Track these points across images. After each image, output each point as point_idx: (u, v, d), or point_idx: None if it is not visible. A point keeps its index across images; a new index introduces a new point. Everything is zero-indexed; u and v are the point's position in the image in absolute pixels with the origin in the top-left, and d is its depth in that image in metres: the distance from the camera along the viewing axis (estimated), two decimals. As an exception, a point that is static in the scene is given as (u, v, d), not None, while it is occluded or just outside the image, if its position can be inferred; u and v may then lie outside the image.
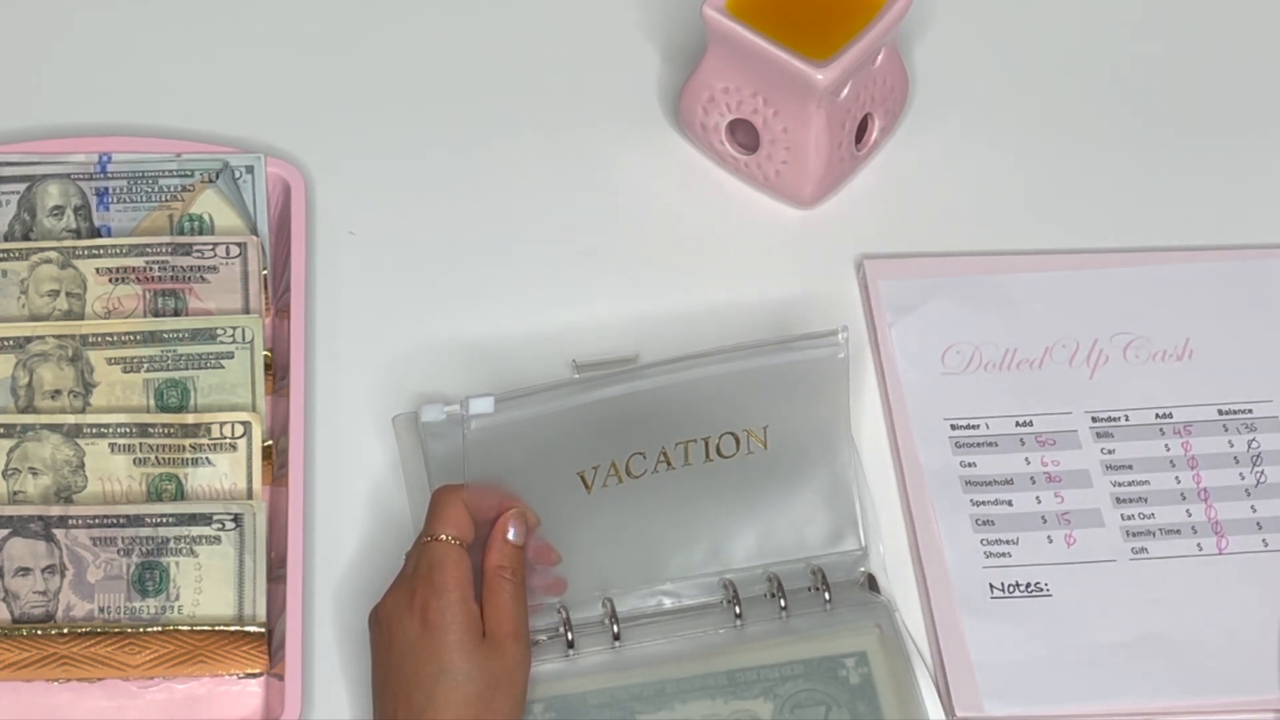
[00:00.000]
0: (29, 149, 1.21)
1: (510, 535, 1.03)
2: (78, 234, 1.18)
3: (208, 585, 1.06)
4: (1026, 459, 1.15)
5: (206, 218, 1.18)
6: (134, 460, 1.09)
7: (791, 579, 1.09)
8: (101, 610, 1.05)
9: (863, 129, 1.24)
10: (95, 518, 1.07)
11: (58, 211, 1.18)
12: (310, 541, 1.11)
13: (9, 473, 1.09)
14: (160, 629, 1.04)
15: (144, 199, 1.19)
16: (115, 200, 1.19)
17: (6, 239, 1.17)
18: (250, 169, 1.20)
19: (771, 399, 1.07)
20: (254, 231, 1.18)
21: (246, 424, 1.10)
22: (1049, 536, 1.12)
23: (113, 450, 1.10)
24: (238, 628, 1.05)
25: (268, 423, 1.13)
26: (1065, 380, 1.18)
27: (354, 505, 1.13)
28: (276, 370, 1.15)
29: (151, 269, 1.15)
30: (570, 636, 1.07)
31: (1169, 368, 1.18)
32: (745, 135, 1.24)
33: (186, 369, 1.12)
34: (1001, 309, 1.20)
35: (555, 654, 1.07)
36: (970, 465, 1.15)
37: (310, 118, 1.27)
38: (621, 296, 1.21)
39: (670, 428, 1.06)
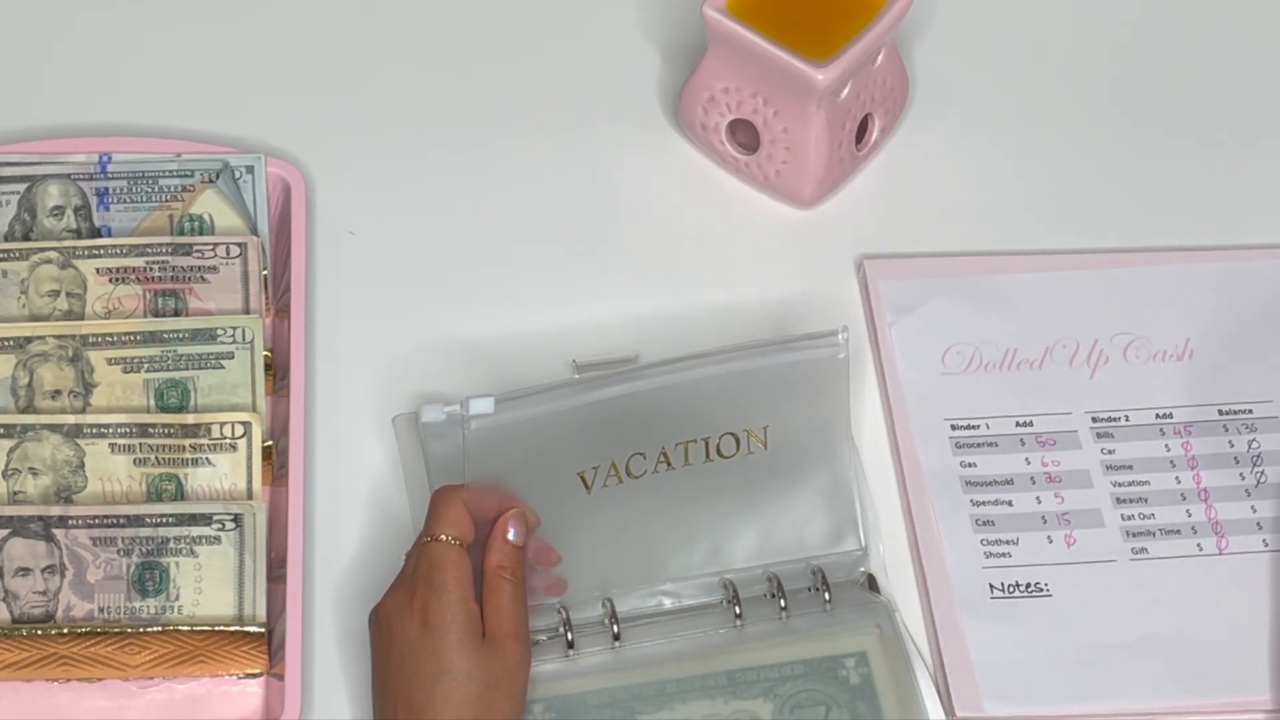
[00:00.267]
0: (29, 149, 1.21)
1: (510, 535, 1.03)
2: (78, 234, 1.18)
3: (208, 585, 1.06)
4: (1027, 459, 1.15)
5: (206, 218, 1.18)
6: (134, 460, 1.09)
7: (791, 579, 1.09)
8: (101, 610, 1.05)
9: (863, 129, 1.24)
10: (95, 518, 1.07)
11: (58, 211, 1.18)
12: (310, 541, 1.11)
13: (9, 473, 1.09)
14: (160, 629, 1.05)
15: (144, 199, 1.19)
16: (115, 200, 1.19)
17: (6, 239, 1.17)
18: (250, 169, 1.20)
19: (771, 399, 1.07)
20: (254, 231, 1.18)
21: (246, 424, 1.10)
22: (1049, 536, 1.12)
23: (113, 450, 1.10)
24: (238, 628, 1.05)
25: (268, 423, 1.13)
26: (1065, 380, 1.18)
27: (354, 505, 1.13)
28: (276, 370, 1.15)
29: (151, 269, 1.15)
30: (570, 636, 1.07)
31: (1169, 368, 1.18)
32: (745, 135, 1.24)
33: (186, 369, 1.12)
34: (1001, 309, 1.20)
35: (555, 654, 1.07)
36: (970, 465, 1.15)
37: (310, 118, 1.27)
38: (621, 296, 1.21)
39: (670, 428, 1.06)
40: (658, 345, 1.15)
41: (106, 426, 1.10)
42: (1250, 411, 1.16)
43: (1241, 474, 1.14)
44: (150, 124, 1.26)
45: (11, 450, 1.09)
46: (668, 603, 1.09)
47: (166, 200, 1.19)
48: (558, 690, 1.06)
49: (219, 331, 1.13)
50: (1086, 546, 1.12)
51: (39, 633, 1.04)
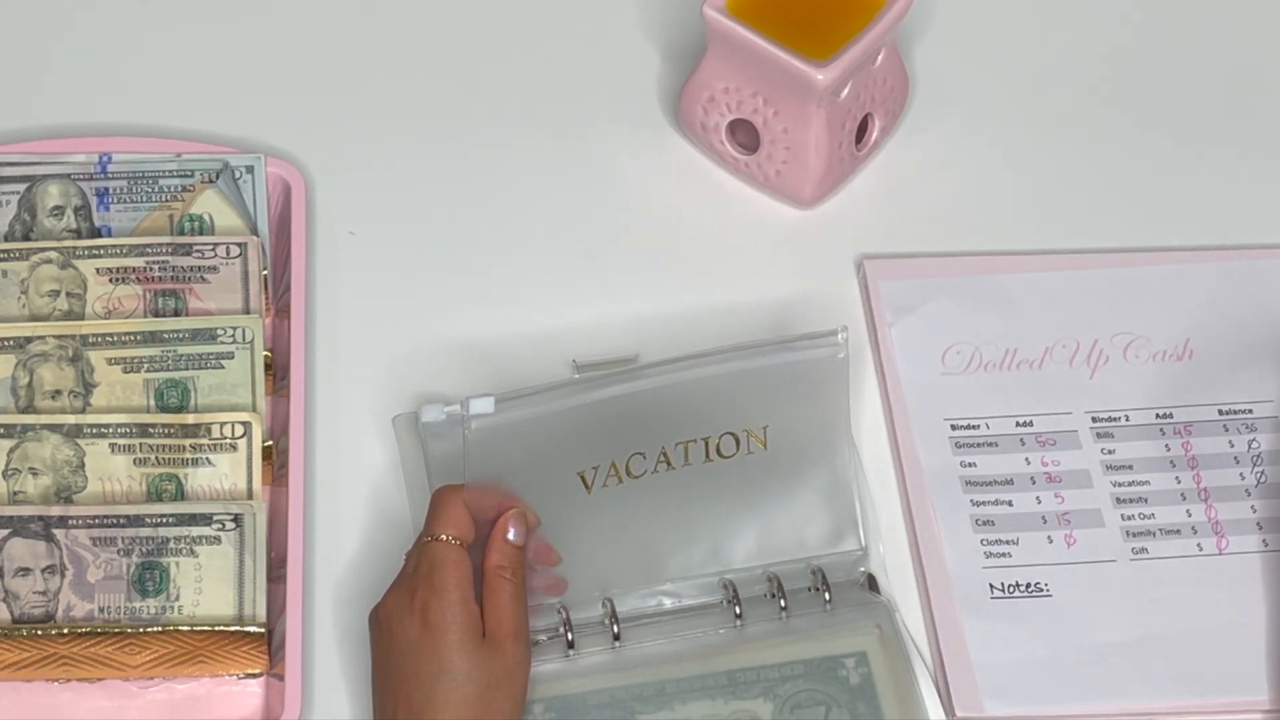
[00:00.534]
0: (29, 149, 1.21)
1: (510, 535, 1.03)
2: (78, 234, 1.18)
3: (208, 585, 1.06)
4: (1027, 459, 1.15)
5: (207, 218, 1.18)
6: (134, 460, 1.09)
7: (791, 579, 1.09)
8: (101, 610, 1.05)
9: (863, 129, 1.24)
10: (95, 518, 1.07)
11: (58, 211, 1.18)
12: (310, 541, 1.11)
13: (9, 473, 1.09)
14: (160, 629, 1.04)
15: (144, 199, 1.19)
16: (115, 200, 1.19)
17: (6, 239, 1.17)
18: (250, 169, 1.20)
19: (771, 399, 1.07)
20: (254, 231, 1.18)
21: (246, 424, 1.10)
22: (1049, 536, 1.12)
23: (113, 450, 1.10)
24: (238, 628, 1.05)
25: (268, 423, 1.13)
26: (1065, 380, 1.18)
27: (354, 505, 1.13)
28: (276, 370, 1.15)
29: (152, 269, 1.15)
30: (570, 636, 1.07)
31: (1169, 368, 1.18)
32: (745, 135, 1.24)
33: (187, 369, 1.12)
34: (1001, 309, 1.20)
35: (555, 654, 1.07)
36: (970, 465, 1.15)
37: (310, 118, 1.27)
38: (621, 296, 1.21)
39: (670, 428, 1.06)
40: (658, 345, 1.15)
41: (106, 426, 1.10)
42: (1250, 411, 1.16)
43: (1241, 474, 1.14)
44: (150, 124, 1.26)
45: (11, 450, 1.09)
46: (668, 603, 1.09)
47: (166, 200, 1.19)
48: (558, 690, 1.06)
49: (219, 331, 1.13)
50: (1086, 546, 1.12)
51: (39, 633, 1.04)
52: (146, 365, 1.12)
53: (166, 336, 1.13)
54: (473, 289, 1.21)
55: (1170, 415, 1.16)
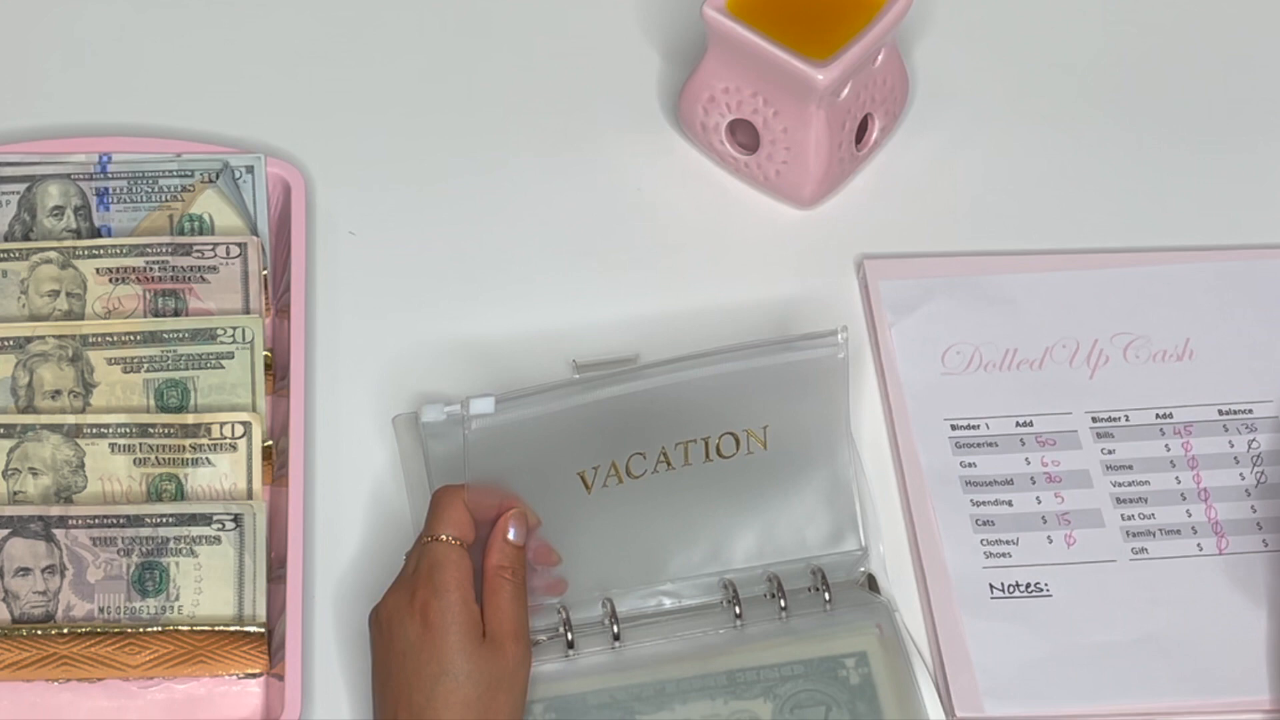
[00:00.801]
0: (29, 149, 1.21)
1: (511, 535, 1.03)
2: (78, 234, 1.18)
3: (208, 585, 1.06)
4: (1026, 459, 1.15)
5: (206, 218, 1.18)
6: (134, 460, 1.09)
7: (791, 579, 1.09)
8: (101, 610, 1.05)
9: (863, 129, 1.24)
10: (95, 518, 1.07)
11: (58, 211, 1.18)
12: (310, 541, 1.11)
13: (9, 473, 1.09)
14: (160, 629, 1.04)
15: (144, 199, 1.19)
16: (115, 200, 1.19)
17: (6, 239, 1.17)
18: (250, 169, 1.20)
19: (771, 399, 1.07)
20: (254, 231, 1.18)
21: (246, 424, 1.10)
22: (1049, 536, 1.12)
23: (113, 450, 1.10)
24: (238, 628, 1.05)
25: (268, 423, 1.13)
26: (1065, 380, 1.18)
27: (354, 505, 1.13)
28: (276, 370, 1.15)
29: (151, 269, 1.15)
30: (570, 637, 1.07)
31: (1169, 368, 1.18)
32: (745, 135, 1.24)
33: (186, 369, 1.12)
34: (1001, 309, 1.20)
35: (555, 654, 1.07)
36: (970, 465, 1.15)
37: (310, 118, 1.27)
38: (621, 296, 1.21)
39: (670, 428, 1.06)
40: (658, 345, 1.15)
41: (106, 426, 1.10)
42: (1250, 411, 1.17)
43: (1241, 474, 1.14)
44: (150, 124, 1.26)
45: (11, 450, 1.09)
46: (668, 603, 1.09)
47: (166, 200, 1.19)
48: (558, 690, 1.06)
49: (219, 331, 1.13)
50: (1086, 546, 1.12)
51: (39, 633, 1.04)
52: (146, 365, 1.12)
53: (166, 336, 1.13)
54: (473, 289, 1.21)
55: (1170, 415, 1.16)
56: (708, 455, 1.07)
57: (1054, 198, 1.26)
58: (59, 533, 1.06)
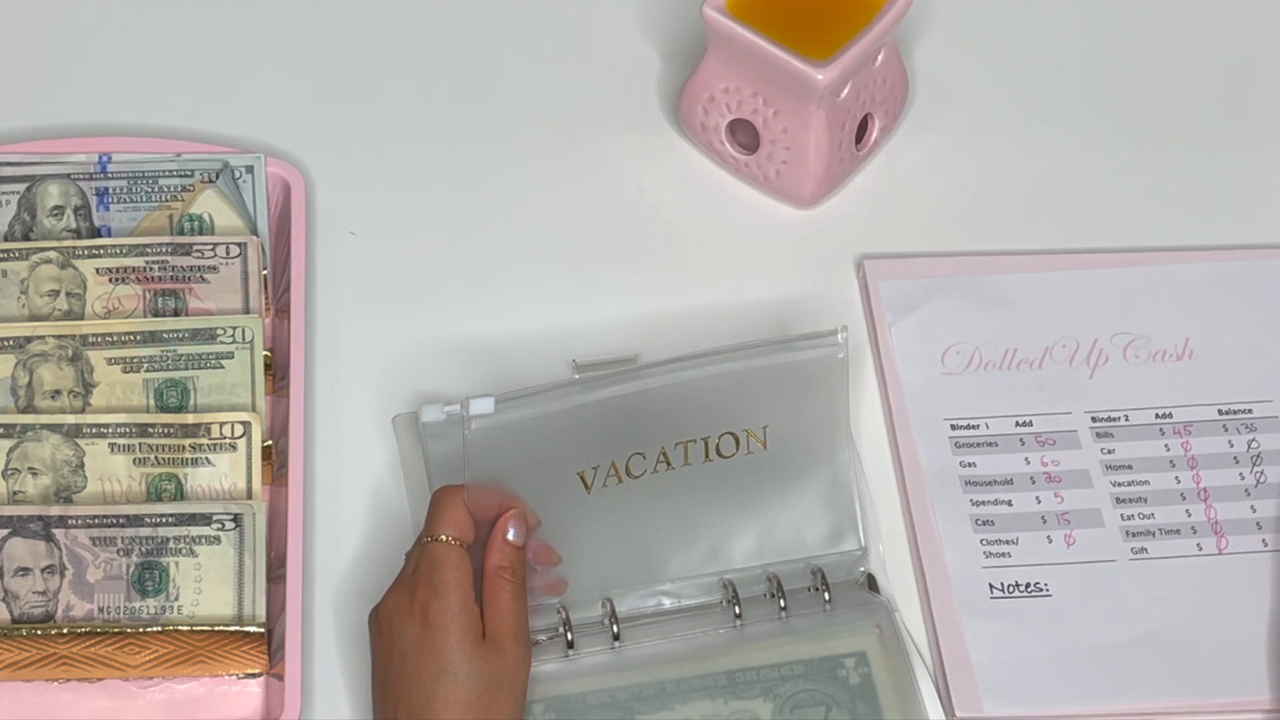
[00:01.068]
0: (29, 149, 1.21)
1: (510, 535, 1.03)
2: (78, 234, 1.18)
3: (207, 585, 1.06)
4: (1026, 459, 1.15)
5: (206, 218, 1.18)
6: (134, 460, 1.09)
7: (791, 579, 1.09)
8: (101, 610, 1.05)
9: (863, 129, 1.24)
10: (95, 518, 1.07)
11: (58, 211, 1.18)
12: (310, 541, 1.11)
13: (9, 473, 1.09)
14: (160, 629, 1.04)
15: (144, 199, 1.19)
16: (115, 200, 1.19)
17: (6, 239, 1.17)
18: (250, 169, 1.20)
19: (771, 399, 1.07)
20: (254, 231, 1.18)
21: (246, 424, 1.10)
22: (1049, 536, 1.12)
23: (113, 450, 1.10)
24: (237, 628, 1.05)
25: (268, 423, 1.13)
26: (1065, 380, 1.18)
27: (354, 505, 1.13)
28: (276, 370, 1.15)
29: (151, 269, 1.15)
30: (570, 637, 1.07)
31: (1169, 368, 1.18)
32: (745, 135, 1.24)
33: (186, 369, 1.12)
34: (1001, 309, 1.20)
35: (555, 654, 1.07)
36: (970, 465, 1.15)
37: (310, 118, 1.27)
38: (621, 296, 1.21)
39: (670, 428, 1.06)
40: (658, 345, 1.15)
41: (106, 426, 1.10)
42: (1250, 411, 1.17)
43: (1241, 474, 1.14)
44: (150, 124, 1.26)
45: (11, 450, 1.09)
46: (668, 603, 1.09)
47: (166, 200, 1.19)
48: (558, 690, 1.06)
49: (219, 331, 1.13)
50: (1086, 546, 1.12)
51: (39, 633, 1.04)
52: (146, 365, 1.12)
53: (166, 336, 1.13)
54: (473, 289, 1.21)
55: (1170, 415, 1.16)
56: (707, 455, 1.07)
57: (1054, 198, 1.26)
58: (59, 533, 1.06)
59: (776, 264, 1.23)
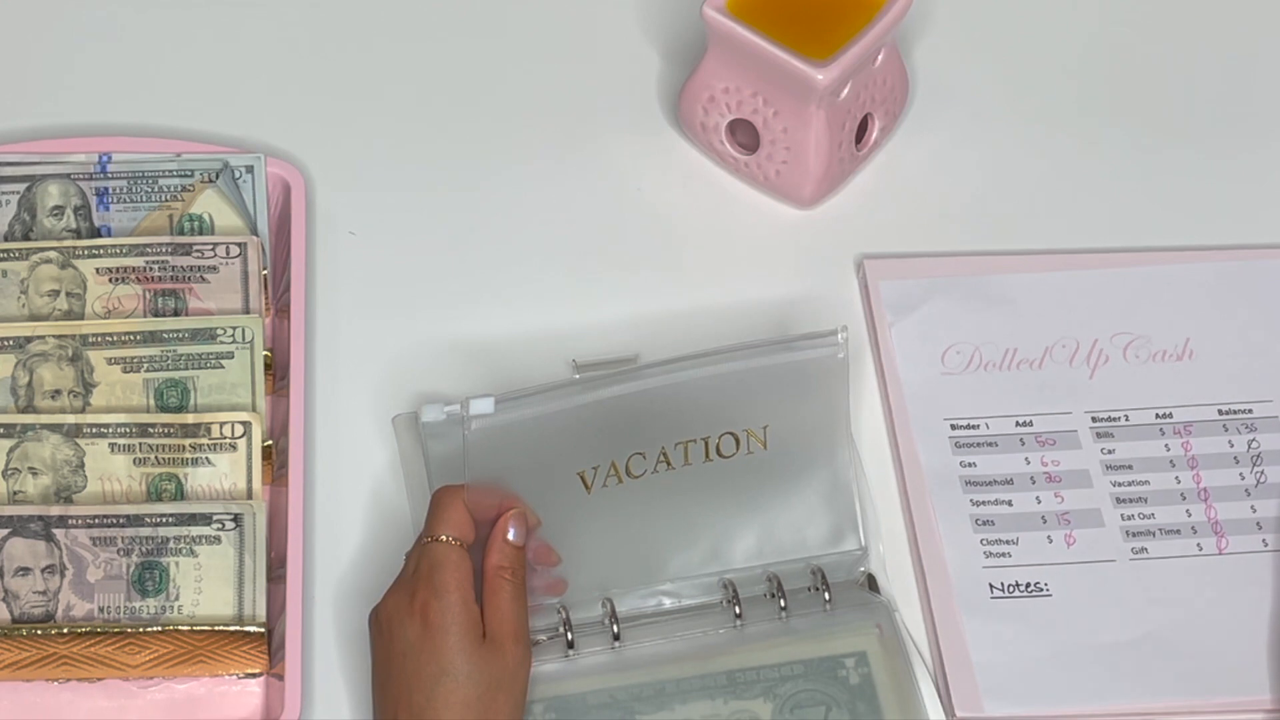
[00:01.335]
0: (29, 149, 1.21)
1: (511, 536, 1.03)
2: (78, 234, 1.18)
3: (208, 585, 1.06)
4: (1026, 459, 1.15)
5: (206, 218, 1.18)
6: (134, 460, 1.09)
7: (791, 579, 1.09)
8: (101, 610, 1.05)
9: (863, 129, 1.24)
10: (95, 518, 1.07)
11: (58, 211, 1.18)
12: (310, 541, 1.11)
13: (9, 473, 1.09)
14: (160, 629, 1.04)
15: (144, 199, 1.19)
16: (115, 200, 1.19)
17: (6, 239, 1.17)
18: (250, 169, 1.20)
19: (771, 399, 1.07)
20: (254, 231, 1.18)
21: (246, 424, 1.10)
22: (1049, 536, 1.12)
23: (113, 450, 1.10)
24: (237, 628, 1.05)
25: (268, 423, 1.13)
26: (1065, 380, 1.18)
27: (354, 505, 1.13)
28: (276, 370, 1.15)
29: (151, 269, 1.15)
30: (570, 637, 1.07)
31: (1169, 368, 1.18)
32: (745, 135, 1.24)
33: (186, 369, 1.12)
34: (1001, 309, 1.20)
35: (555, 654, 1.07)
36: (970, 465, 1.15)
37: (310, 118, 1.27)
38: (621, 296, 1.21)
39: (670, 428, 1.06)
40: (658, 345, 1.15)
41: (106, 426, 1.10)
42: (1250, 411, 1.17)
43: (1241, 474, 1.14)
44: (150, 124, 1.26)
45: (11, 450, 1.09)
46: (668, 603, 1.09)
47: (166, 200, 1.19)
48: (558, 690, 1.06)
49: (219, 331, 1.13)
50: (1086, 546, 1.12)
51: (39, 633, 1.04)
52: (146, 365, 1.12)
53: (166, 336, 1.13)
54: (473, 289, 1.21)
55: (1170, 415, 1.16)
56: (708, 455, 1.07)
57: (1054, 198, 1.26)
58: (59, 532, 1.06)
59: (776, 264, 1.23)
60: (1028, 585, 1.11)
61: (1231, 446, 1.15)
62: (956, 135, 1.28)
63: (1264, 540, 1.12)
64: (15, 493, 1.09)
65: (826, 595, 1.09)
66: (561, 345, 1.18)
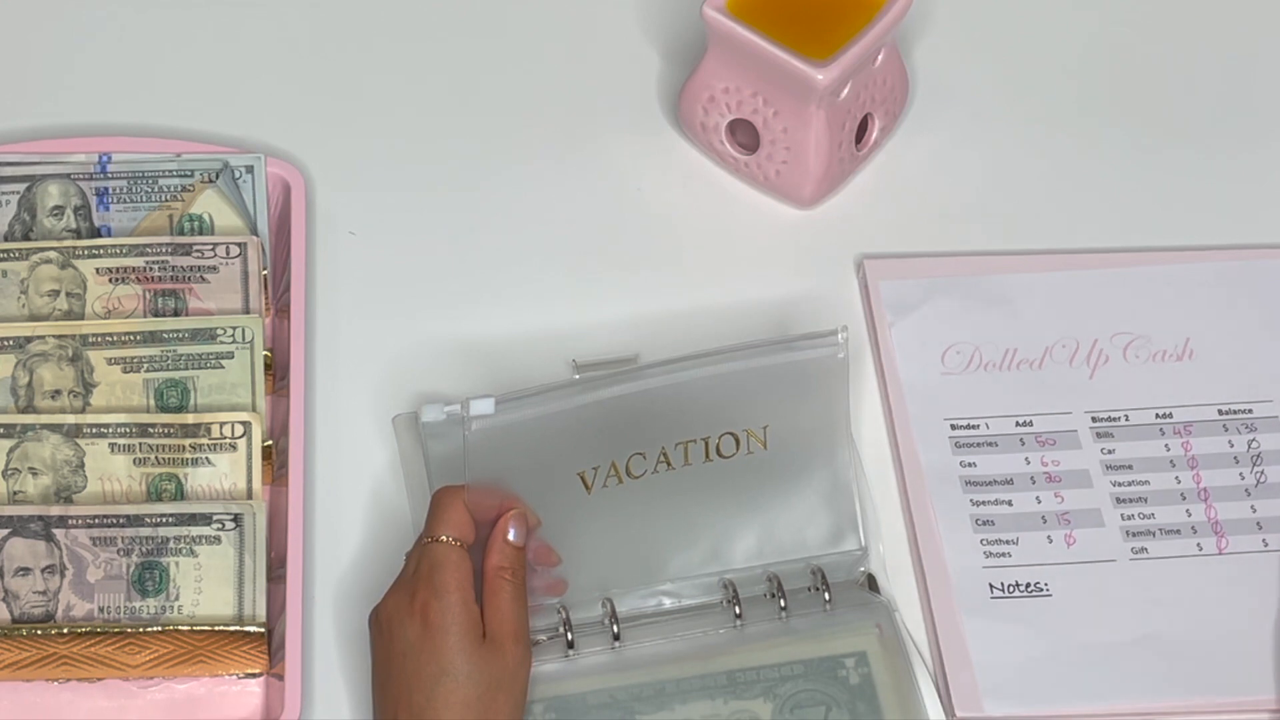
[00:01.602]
0: (29, 149, 1.21)
1: (511, 536, 1.03)
2: (78, 234, 1.18)
3: (208, 585, 1.06)
4: (1026, 459, 1.15)
5: (206, 218, 1.18)
6: (134, 460, 1.09)
7: (791, 579, 1.09)
8: (101, 610, 1.05)
9: (863, 129, 1.24)
10: (95, 518, 1.07)
11: (58, 211, 1.18)
12: (310, 541, 1.11)
13: (9, 473, 1.09)
14: (160, 629, 1.05)
15: (144, 199, 1.19)
16: (115, 200, 1.19)
17: (6, 239, 1.17)
18: (250, 169, 1.20)
19: (771, 399, 1.07)
20: (254, 231, 1.18)
21: (246, 424, 1.10)
22: (1049, 536, 1.12)
23: (113, 450, 1.10)
24: (237, 628, 1.05)
25: (268, 423, 1.13)
26: (1065, 380, 1.18)
27: (354, 505, 1.13)
28: (276, 370, 1.15)
29: (151, 269, 1.15)
30: (570, 637, 1.07)
31: (1169, 368, 1.18)
32: (745, 135, 1.24)
33: (186, 369, 1.12)
34: (1001, 309, 1.20)
35: (555, 654, 1.07)
36: (970, 465, 1.15)
37: (310, 118, 1.27)
38: (621, 296, 1.21)
39: (670, 428, 1.06)
40: (658, 345, 1.15)
41: (106, 426, 1.10)
42: (1250, 411, 1.17)
43: (1241, 474, 1.14)
44: (150, 124, 1.26)
45: (11, 450, 1.09)
46: (668, 603, 1.09)
47: (166, 200, 1.19)
48: (558, 690, 1.06)
49: (219, 331, 1.13)
50: (1086, 546, 1.12)
51: (39, 633, 1.04)
52: (146, 365, 1.12)
53: (166, 336, 1.13)
54: (473, 289, 1.21)
55: (1170, 415, 1.16)
56: (708, 455, 1.07)
57: (1054, 198, 1.26)
58: (59, 532, 1.06)
59: (776, 264, 1.23)
60: (1028, 585, 1.11)
61: (1231, 446, 1.15)
62: (956, 135, 1.28)
63: (1264, 540, 1.12)
64: (15, 493, 1.09)
65: (826, 595, 1.09)
66: (561, 345, 1.18)
